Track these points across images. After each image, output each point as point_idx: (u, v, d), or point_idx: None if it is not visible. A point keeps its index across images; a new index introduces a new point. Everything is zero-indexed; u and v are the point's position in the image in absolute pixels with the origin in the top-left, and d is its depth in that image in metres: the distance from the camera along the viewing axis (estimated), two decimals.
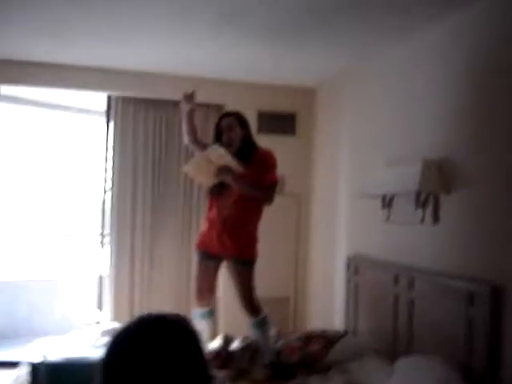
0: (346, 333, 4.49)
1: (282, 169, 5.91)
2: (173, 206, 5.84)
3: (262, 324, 4.14)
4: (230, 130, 4.01)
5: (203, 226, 4.29)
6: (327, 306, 5.50)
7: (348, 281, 4.91)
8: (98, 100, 6.00)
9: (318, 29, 4.31)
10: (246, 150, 4.03)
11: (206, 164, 3.91)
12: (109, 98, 5.80)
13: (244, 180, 3.95)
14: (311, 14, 3.95)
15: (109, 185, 5.80)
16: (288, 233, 6.07)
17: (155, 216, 5.80)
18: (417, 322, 3.85)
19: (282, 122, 6.07)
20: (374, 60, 4.81)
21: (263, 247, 5.79)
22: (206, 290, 4.22)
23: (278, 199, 5.94)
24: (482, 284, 3.21)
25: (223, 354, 4.05)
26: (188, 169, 4.09)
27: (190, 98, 4.05)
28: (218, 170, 3.88)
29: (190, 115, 4.12)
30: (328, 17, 4.00)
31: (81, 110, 6.63)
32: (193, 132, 4.17)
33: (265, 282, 5.69)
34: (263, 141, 5.89)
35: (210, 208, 4.14)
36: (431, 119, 3.92)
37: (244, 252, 4.11)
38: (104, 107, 5.85)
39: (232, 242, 4.05)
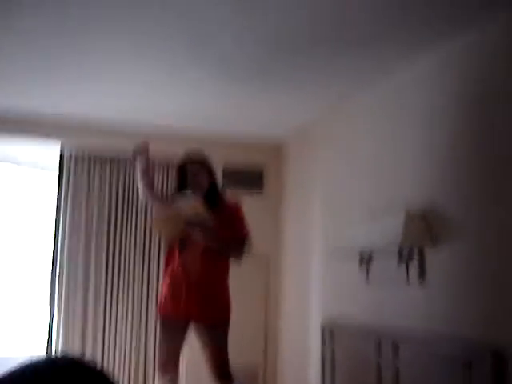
0: None
1: (248, 228, 5.57)
2: (130, 267, 5.38)
3: None
4: (197, 174, 3.63)
5: (164, 285, 3.73)
6: (300, 380, 4.98)
7: (323, 351, 4.42)
8: (49, 155, 5.59)
9: (285, 74, 4.08)
10: (213, 198, 3.64)
11: (174, 217, 3.52)
12: (61, 153, 5.38)
13: (214, 234, 3.54)
14: (278, 56, 3.73)
15: (59, 245, 5.29)
16: (256, 298, 5.59)
17: (110, 278, 5.31)
18: None
19: (249, 179, 5.71)
20: (346, 107, 4.53)
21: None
22: (171, 362, 3.68)
23: (244, 260, 5.56)
24: (480, 349, 2.79)
25: None
26: (155, 223, 3.81)
27: (142, 150, 3.72)
28: (187, 222, 3.47)
29: (146, 169, 3.75)
30: (296, 59, 3.78)
31: (31, 164, 6.18)
32: (150, 186, 3.81)
33: (230, 353, 5.20)
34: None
35: (170, 263, 3.68)
36: (413, 168, 3.60)
37: (217, 315, 3.64)
38: (56, 162, 5.43)
39: (202, 304, 3.56)
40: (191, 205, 3.51)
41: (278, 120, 5.20)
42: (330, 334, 4.34)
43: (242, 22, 3.26)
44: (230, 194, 4.08)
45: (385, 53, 3.57)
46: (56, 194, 5.37)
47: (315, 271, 4.86)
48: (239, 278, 5.41)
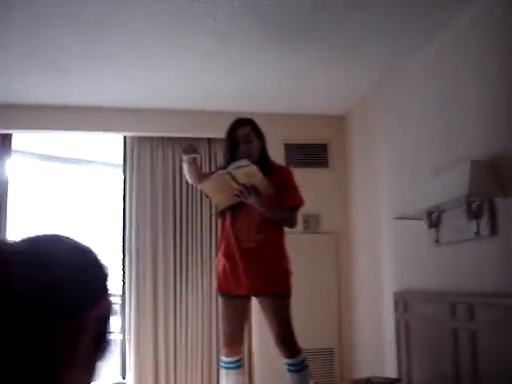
0: (398, 380, 3.79)
1: (316, 204, 5.44)
2: (197, 246, 5.40)
3: (303, 367, 3.42)
4: (248, 141, 3.39)
5: (219, 257, 3.55)
6: (376, 353, 4.81)
7: (397, 320, 4.24)
8: (114, 149, 5.69)
9: (341, 41, 3.98)
10: (264, 165, 3.47)
11: (228, 182, 3.25)
12: (124, 139, 5.45)
13: (271, 203, 3.38)
14: (334, 22, 3.59)
15: (127, 239, 5.36)
16: (327, 276, 5.45)
17: (178, 269, 5.36)
18: (482, 360, 3.14)
19: (312, 153, 5.58)
20: (404, 69, 4.35)
21: (300, 294, 5.25)
22: (235, 337, 3.57)
23: (312, 239, 5.44)
24: None
25: None
26: (205, 186, 3.44)
27: (189, 150, 3.54)
28: (242, 189, 3.29)
29: (193, 164, 3.59)
30: (352, 25, 3.69)
31: (96, 163, 6.34)
32: (198, 176, 3.63)
33: (305, 332, 5.09)
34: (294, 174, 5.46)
35: (224, 233, 3.56)
36: (477, 117, 3.37)
37: (279, 284, 3.44)
38: (120, 155, 5.52)
39: (263, 276, 3.38)
40: (245, 170, 3.22)
41: (338, 91, 5.06)
42: (404, 301, 4.15)
43: None
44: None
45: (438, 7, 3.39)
46: (122, 181, 5.45)
47: (385, 240, 4.68)
48: (309, 256, 5.33)
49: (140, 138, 5.44)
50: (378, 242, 4.82)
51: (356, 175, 5.41)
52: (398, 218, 3.98)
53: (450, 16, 3.56)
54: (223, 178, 3.23)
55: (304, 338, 5.03)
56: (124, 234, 5.39)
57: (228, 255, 3.44)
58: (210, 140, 5.53)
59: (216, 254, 5.23)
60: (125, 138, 5.45)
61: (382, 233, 4.73)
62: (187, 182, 5.40)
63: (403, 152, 4.39)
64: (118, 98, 5.01)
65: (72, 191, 6.35)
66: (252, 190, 3.24)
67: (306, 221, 5.43)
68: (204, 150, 5.47)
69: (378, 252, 4.82)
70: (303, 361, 3.44)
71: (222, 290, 3.53)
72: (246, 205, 3.35)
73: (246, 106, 5.23)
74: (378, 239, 4.81)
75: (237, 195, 3.27)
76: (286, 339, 3.41)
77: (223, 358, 3.56)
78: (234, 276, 3.42)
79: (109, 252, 5.84)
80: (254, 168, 3.20)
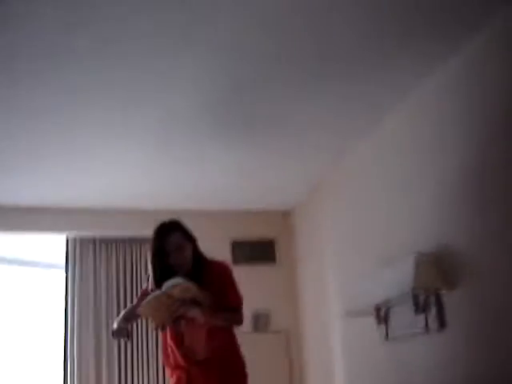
0: None
1: (265, 302, 5.31)
2: (142, 360, 5.15)
3: None
4: (181, 249, 3.17)
5: (172, 373, 3.28)
6: None
7: None
8: (54, 249, 5.50)
9: (282, 135, 4.04)
10: (198, 268, 3.24)
11: (165, 302, 3.08)
12: (66, 240, 5.29)
13: (212, 310, 3.21)
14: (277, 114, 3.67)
15: (69, 342, 5.08)
16: (278, 377, 5.22)
17: (123, 373, 5.07)
18: None
19: (260, 250, 5.50)
20: (350, 160, 4.39)
21: None
22: None
23: (262, 338, 5.25)
24: None
25: None
26: (142, 311, 3.22)
27: (122, 334, 3.32)
28: (179, 304, 3.14)
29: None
30: (292, 116, 3.76)
31: (41, 264, 6.09)
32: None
33: None
34: (240, 273, 5.33)
35: (170, 353, 3.27)
36: (421, 208, 3.37)
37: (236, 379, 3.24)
38: (61, 254, 5.33)
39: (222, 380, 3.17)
40: (180, 287, 3.06)
41: (284, 187, 5.07)
42: None
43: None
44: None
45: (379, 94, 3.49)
46: (64, 282, 5.24)
47: (336, 338, 4.54)
48: (260, 357, 5.10)
49: (82, 239, 5.28)
50: (328, 341, 4.68)
51: (304, 271, 5.32)
52: (346, 316, 3.87)
53: (388, 108, 3.64)
54: (159, 299, 3.06)
55: None
56: (66, 338, 5.10)
57: (182, 368, 3.21)
58: None
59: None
60: (67, 238, 5.28)
61: (333, 330, 4.60)
62: (131, 283, 5.27)
63: (350, 245, 4.35)
64: (57, 198, 4.89)
65: (15, 293, 6.04)
66: (191, 303, 3.10)
67: (255, 320, 5.26)
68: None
69: (329, 351, 4.67)
70: None
71: None
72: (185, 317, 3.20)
73: (190, 203, 5.18)
74: (329, 337, 4.67)
75: (175, 311, 3.07)
76: None
77: None
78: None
79: (50, 357, 5.53)
80: (189, 285, 3.05)
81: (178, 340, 3.21)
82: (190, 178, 4.71)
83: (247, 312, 5.18)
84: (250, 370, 5.00)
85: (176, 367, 3.24)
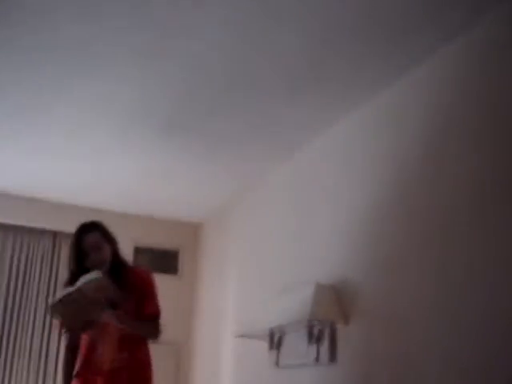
0: None
1: (163, 312, 5.17)
2: (27, 345, 4.90)
3: None
4: (98, 248, 3.06)
5: (78, 381, 3.04)
6: None
7: None
8: None
9: (199, 152, 4.00)
10: (117, 271, 3.10)
11: (78, 300, 2.88)
12: None
13: (127, 315, 3.07)
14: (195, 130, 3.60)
15: None
16: None
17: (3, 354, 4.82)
18: None
19: (163, 259, 5.38)
20: (260, 185, 4.40)
21: None
22: None
23: (153, 349, 5.10)
24: None
25: None
26: (53, 310, 3.00)
27: None
28: (94, 304, 2.89)
29: None
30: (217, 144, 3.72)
31: None
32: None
33: None
34: None
35: (81, 355, 3.05)
36: (325, 243, 3.40)
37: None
38: None
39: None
40: (96, 284, 2.89)
41: (195, 198, 4.98)
42: None
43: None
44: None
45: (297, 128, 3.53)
46: None
47: (226, 357, 4.48)
48: None
49: None
50: (218, 359, 4.61)
51: (205, 286, 5.25)
52: (239, 336, 3.82)
53: (303, 140, 3.68)
54: (72, 296, 2.85)
55: None
56: None
57: (88, 378, 3.01)
58: (55, 233, 5.17)
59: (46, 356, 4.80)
60: None
61: (224, 349, 4.54)
62: (24, 275, 5.00)
63: (253, 267, 4.32)
64: None
65: None
66: (105, 304, 2.95)
67: None
68: (48, 244, 5.14)
69: (218, 369, 4.60)
70: None
71: None
72: (102, 322, 3.05)
73: (98, 201, 5.01)
74: (220, 356, 4.61)
75: (90, 313, 2.92)
76: None
77: None
78: None
79: None
80: (104, 281, 2.88)
81: (90, 347, 3.05)
82: (100, 174, 4.53)
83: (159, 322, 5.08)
84: None
85: (84, 376, 3.07)
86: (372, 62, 2.82)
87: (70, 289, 2.88)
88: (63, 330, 3.16)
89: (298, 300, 3.18)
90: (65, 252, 4.90)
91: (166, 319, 5.11)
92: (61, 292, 2.99)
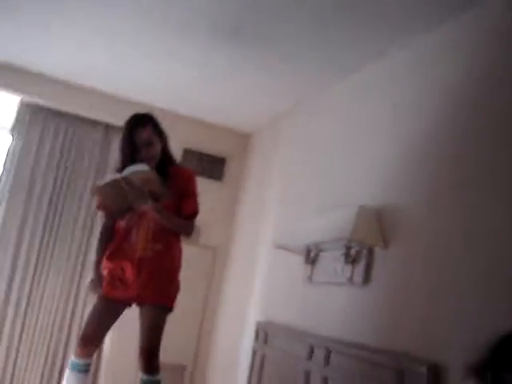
0: None
1: (200, 217, 5.26)
2: (69, 235, 5.06)
3: None
4: (151, 145, 3.12)
5: (107, 264, 3.24)
6: (228, 379, 4.66)
7: (255, 351, 4.12)
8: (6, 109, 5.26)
9: (259, 63, 3.91)
10: (163, 167, 3.19)
11: (123, 188, 2.96)
12: (20, 103, 5.08)
13: (168, 211, 3.13)
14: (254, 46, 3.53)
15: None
16: (196, 292, 5.26)
17: (45, 243, 5.00)
18: None
19: (210, 164, 5.41)
20: (312, 101, 4.33)
21: None
22: (95, 339, 3.23)
23: (190, 251, 5.23)
24: (417, 362, 2.50)
25: None
26: (98, 190, 3.12)
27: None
28: (138, 194, 2.97)
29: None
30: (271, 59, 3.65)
31: None
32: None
33: (162, 345, 4.88)
34: None
35: (117, 240, 3.22)
36: (372, 164, 3.34)
37: (168, 298, 3.24)
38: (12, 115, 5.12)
39: (155, 287, 3.16)
40: (142, 175, 2.96)
41: (247, 109, 4.95)
42: (265, 333, 4.04)
43: None
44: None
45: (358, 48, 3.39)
46: (8, 145, 5.07)
47: (261, 266, 4.57)
48: (183, 268, 5.13)
49: (36, 106, 5.06)
50: (253, 267, 4.71)
51: (247, 196, 5.30)
52: (277, 248, 3.87)
53: (359, 64, 3.57)
54: (117, 182, 2.93)
55: (161, 351, 4.84)
56: None
57: (119, 262, 3.19)
58: (107, 126, 5.24)
59: (86, 249, 4.99)
60: (21, 102, 5.06)
61: (260, 258, 4.63)
62: (73, 165, 5.12)
63: (296, 185, 4.32)
64: (22, 58, 4.62)
65: None
66: (149, 196, 2.99)
67: None
68: (99, 136, 5.22)
69: (251, 276, 4.71)
70: (159, 382, 3.19)
71: (105, 295, 3.22)
72: (142, 211, 3.12)
73: (153, 99, 5.02)
74: (254, 264, 4.70)
75: (132, 201, 3.01)
76: (151, 354, 3.15)
77: (73, 359, 3.22)
78: (123, 283, 3.18)
79: None
80: (151, 174, 2.96)
81: (125, 233, 3.17)
82: (158, 72, 4.51)
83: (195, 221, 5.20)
84: None
85: (116, 259, 3.20)
86: None
87: (118, 175, 2.97)
88: (101, 210, 3.26)
89: (339, 219, 3.18)
90: (115, 145, 4.98)
91: (205, 223, 5.28)
92: (107, 177, 3.09)
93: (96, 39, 4.04)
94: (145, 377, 3.14)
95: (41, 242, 4.97)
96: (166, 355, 4.90)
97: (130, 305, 3.27)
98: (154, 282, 3.16)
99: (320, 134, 4.13)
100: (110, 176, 3.06)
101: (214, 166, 5.41)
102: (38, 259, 4.95)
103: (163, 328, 3.21)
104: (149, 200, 3.00)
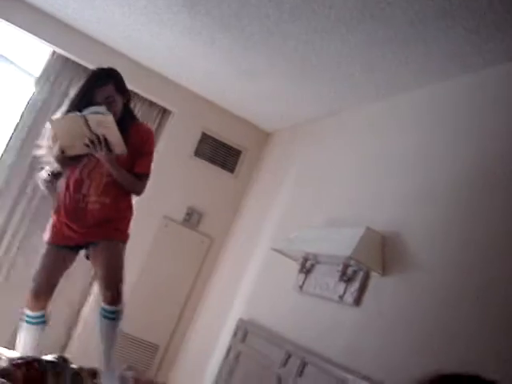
0: None
1: (205, 203, 5.29)
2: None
3: (117, 318, 3.20)
4: (111, 101, 3.06)
5: (56, 213, 3.23)
6: (198, 369, 4.66)
7: (231, 346, 4.12)
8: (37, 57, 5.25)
9: (294, 69, 3.91)
10: (124, 122, 3.12)
11: (80, 127, 2.87)
12: (52, 54, 5.07)
13: (120, 163, 3.10)
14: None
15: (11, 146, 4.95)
16: (186, 275, 5.26)
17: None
18: None
19: (225, 155, 5.40)
20: (338, 116, 4.34)
21: (152, 281, 5.05)
22: (48, 290, 3.25)
23: (188, 234, 5.26)
24: None
25: (35, 365, 3.00)
26: (55, 124, 3.00)
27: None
28: (94, 138, 2.92)
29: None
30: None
31: (15, 65, 5.84)
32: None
33: (140, 320, 4.90)
34: (196, 166, 5.27)
35: (67, 188, 3.19)
36: (385, 191, 3.33)
37: (116, 231, 3.23)
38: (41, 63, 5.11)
39: (100, 229, 3.17)
40: (101, 118, 2.89)
41: (273, 107, 4.91)
42: (244, 331, 4.04)
43: None
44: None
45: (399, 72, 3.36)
46: (31, 89, 5.06)
47: (254, 264, 4.57)
48: (178, 249, 5.16)
49: (67, 60, 5.04)
50: (247, 264, 4.71)
51: (256, 193, 5.29)
52: (275, 250, 3.87)
53: (402, 89, 3.53)
54: (76, 119, 2.88)
55: (136, 325, 4.86)
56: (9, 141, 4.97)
57: (67, 210, 3.18)
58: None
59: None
60: (53, 52, 5.05)
61: (255, 257, 4.63)
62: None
63: (306, 194, 4.31)
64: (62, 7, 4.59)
65: None
66: (104, 143, 2.96)
67: (189, 214, 5.24)
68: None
69: (243, 273, 4.71)
70: (120, 312, 3.21)
71: (53, 241, 3.23)
72: (94, 161, 3.10)
73: (184, 78, 5.02)
74: (249, 261, 4.70)
75: (86, 145, 2.97)
76: (111, 284, 3.17)
77: (27, 312, 3.23)
78: (70, 230, 3.18)
79: None
80: (110, 119, 2.90)
81: (76, 185, 3.15)
82: (194, 54, 4.48)
83: (184, 204, 5.21)
84: (164, 256, 5.08)
85: (64, 208, 3.19)
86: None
87: (76, 113, 2.91)
88: (57, 152, 3.07)
89: (344, 236, 3.17)
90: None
91: (209, 211, 5.29)
92: (67, 114, 2.99)
93: (141, 14, 4.02)
94: (106, 307, 3.16)
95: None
96: (141, 331, 4.98)
97: (78, 251, 3.27)
98: (100, 227, 3.16)
99: (339, 150, 4.12)
100: (70, 114, 2.97)
101: (229, 157, 5.41)
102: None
103: (120, 259, 3.22)
104: (104, 147, 2.96)
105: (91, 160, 3.12)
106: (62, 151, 3.06)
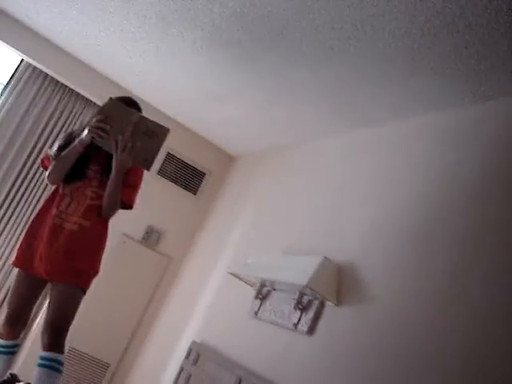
0: None
1: (165, 223, 5.27)
2: (19, 212, 5.02)
3: (57, 369, 2.86)
4: None
5: (28, 231, 3.07)
6: None
7: (182, 368, 4.09)
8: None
9: (264, 95, 3.91)
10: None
11: (127, 123, 2.82)
12: (21, 61, 5.04)
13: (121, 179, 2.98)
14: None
15: None
16: (141, 293, 5.21)
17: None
18: None
19: (189, 176, 5.41)
20: (305, 145, 4.40)
21: (107, 298, 4.97)
22: (20, 319, 3.06)
23: (145, 253, 5.23)
24: None
25: None
26: (112, 103, 2.91)
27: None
28: (128, 140, 2.83)
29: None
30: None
31: None
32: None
33: (92, 336, 4.83)
34: (159, 185, 5.27)
35: (48, 207, 3.06)
36: (345, 221, 3.39)
37: (81, 278, 3.01)
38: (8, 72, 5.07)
39: (70, 265, 2.95)
40: (157, 128, 2.85)
41: (240, 132, 4.96)
42: (197, 354, 4.02)
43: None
44: None
45: (376, 110, 3.43)
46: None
47: (211, 287, 4.56)
48: (136, 268, 5.12)
49: (36, 69, 5.01)
50: (203, 286, 4.70)
51: (217, 216, 5.30)
52: (231, 274, 3.87)
53: (371, 123, 3.61)
54: (129, 115, 2.86)
55: (87, 342, 4.78)
56: None
57: (42, 230, 3.02)
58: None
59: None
60: (22, 60, 5.01)
61: (212, 279, 4.62)
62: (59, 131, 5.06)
63: (265, 221, 4.35)
64: (38, 22, 4.57)
65: None
66: (132, 151, 2.86)
67: (148, 233, 5.22)
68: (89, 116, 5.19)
69: (198, 295, 4.69)
70: (59, 362, 2.88)
71: (19, 265, 3.06)
72: (81, 182, 3.02)
73: (152, 95, 5.02)
74: (205, 284, 4.69)
75: (116, 142, 2.85)
76: (56, 329, 2.90)
77: None
78: (38, 254, 2.99)
79: None
80: (167, 132, 2.87)
81: (61, 198, 3.03)
82: (161, 74, 4.49)
83: (144, 222, 5.19)
84: (120, 273, 5.03)
85: (39, 227, 3.03)
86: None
87: (135, 111, 2.92)
88: (98, 131, 2.87)
89: (300, 264, 3.20)
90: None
91: (168, 230, 5.27)
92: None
93: (115, 31, 4.03)
94: (45, 354, 2.85)
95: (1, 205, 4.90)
96: (92, 348, 4.90)
97: (46, 280, 3.05)
98: (71, 261, 2.96)
99: (300, 179, 4.17)
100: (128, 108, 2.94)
101: (192, 178, 5.42)
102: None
103: (75, 307, 3.00)
104: (130, 156, 2.88)
105: (80, 179, 3.03)
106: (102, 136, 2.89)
